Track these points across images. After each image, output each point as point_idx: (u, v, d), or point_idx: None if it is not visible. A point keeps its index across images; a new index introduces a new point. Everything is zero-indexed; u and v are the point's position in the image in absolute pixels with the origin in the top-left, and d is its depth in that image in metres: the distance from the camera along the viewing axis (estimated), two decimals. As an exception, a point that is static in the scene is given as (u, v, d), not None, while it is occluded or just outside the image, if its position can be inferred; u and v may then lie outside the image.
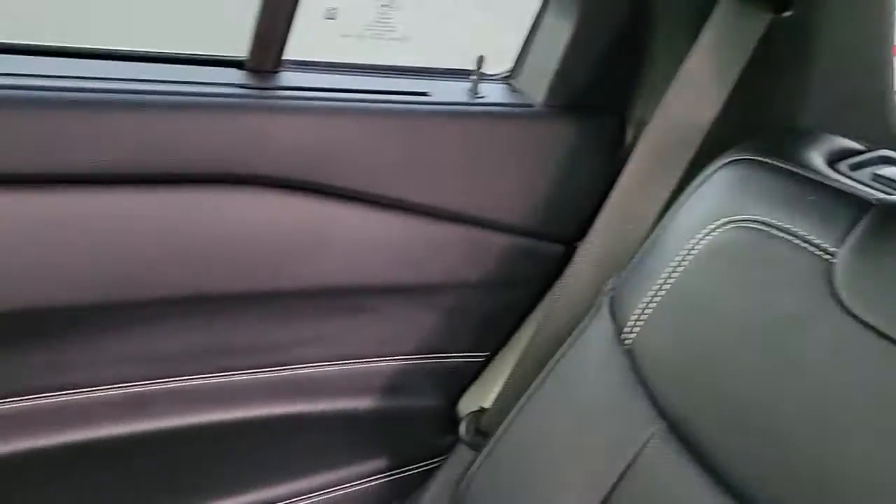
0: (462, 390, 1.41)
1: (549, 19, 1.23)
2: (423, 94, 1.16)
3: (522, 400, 1.00)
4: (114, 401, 1.15)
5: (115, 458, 1.15)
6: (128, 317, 1.09)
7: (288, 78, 1.09)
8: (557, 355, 0.98)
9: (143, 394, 1.17)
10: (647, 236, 0.95)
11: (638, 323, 0.85)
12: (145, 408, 1.18)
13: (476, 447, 1.23)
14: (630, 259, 0.95)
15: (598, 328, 0.92)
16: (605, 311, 0.92)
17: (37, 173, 0.91)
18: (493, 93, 1.24)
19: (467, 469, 1.07)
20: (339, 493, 1.27)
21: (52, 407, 1.11)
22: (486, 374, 1.40)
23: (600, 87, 1.25)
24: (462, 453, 1.29)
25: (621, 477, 0.82)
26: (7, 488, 1.08)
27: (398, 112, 1.12)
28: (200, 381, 1.20)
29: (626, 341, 0.86)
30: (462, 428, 1.24)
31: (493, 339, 1.39)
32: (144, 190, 1.00)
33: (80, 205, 0.96)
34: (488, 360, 1.41)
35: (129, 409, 1.16)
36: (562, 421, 0.92)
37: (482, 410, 1.24)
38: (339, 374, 1.32)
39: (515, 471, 0.96)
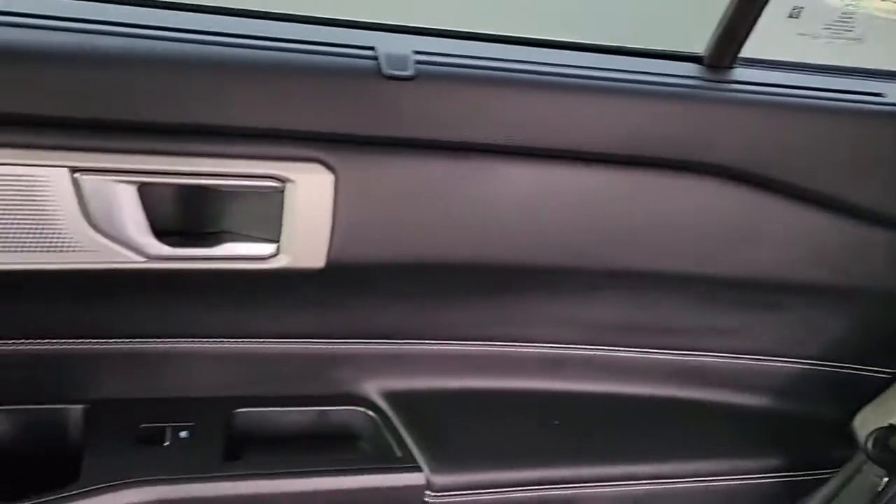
0: (860, 404, 1.36)
1: None
2: (878, 94, 1.14)
3: None
4: (537, 357, 1.29)
5: (531, 410, 1.29)
6: (567, 283, 1.21)
7: (743, 74, 1.14)
8: None
9: (562, 356, 1.29)
10: None
11: None
12: (562, 369, 1.30)
13: (884, 464, 1.19)
14: None
15: None
16: None
17: (540, 147, 1.06)
18: None
19: (887, 485, 1.04)
20: (726, 482, 1.30)
21: (485, 354, 1.28)
22: (894, 391, 1.34)
23: None
24: (861, 467, 1.25)
25: None
26: (435, 419, 1.25)
27: (850, 112, 1.12)
28: (614, 353, 1.30)
29: None
30: (868, 443, 1.20)
31: None
32: (602, 169, 1.11)
33: (557, 178, 1.09)
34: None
35: (549, 367, 1.30)
36: None
37: (892, 428, 1.19)
38: (738, 367, 1.35)
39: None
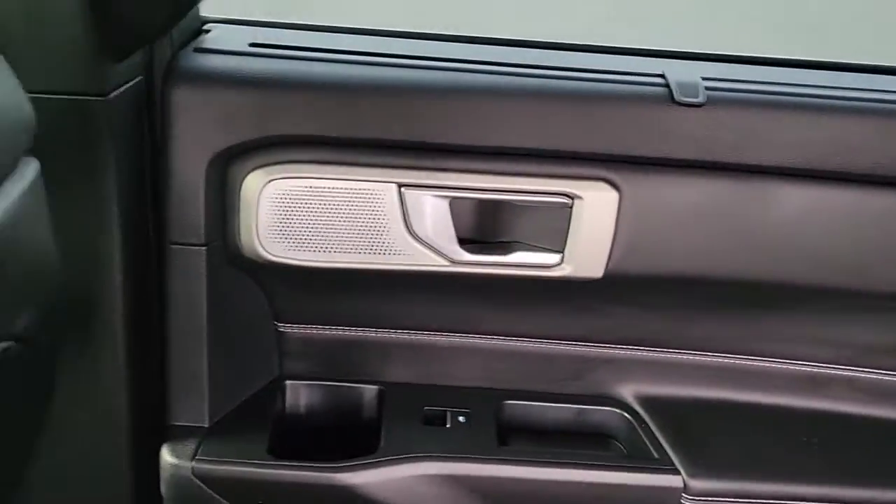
0: None
1: None
2: None
3: None
4: (796, 375, 1.30)
5: (787, 426, 1.29)
6: (836, 303, 1.22)
7: None
8: None
9: (824, 375, 1.29)
10: None
11: None
12: (823, 388, 1.30)
13: None
14: None
15: None
16: None
17: (822, 169, 1.09)
18: None
19: None
20: None
21: (743, 367, 1.30)
22: None
23: None
24: None
25: None
26: (691, 426, 1.29)
27: None
28: (880, 377, 1.28)
29: None
30: None
31: None
32: (886, 191, 1.11)
33: (835, 199, 1.11)
34: None
35: (808, 385, 1.30)
36: None
37: None
38: None
39: None
